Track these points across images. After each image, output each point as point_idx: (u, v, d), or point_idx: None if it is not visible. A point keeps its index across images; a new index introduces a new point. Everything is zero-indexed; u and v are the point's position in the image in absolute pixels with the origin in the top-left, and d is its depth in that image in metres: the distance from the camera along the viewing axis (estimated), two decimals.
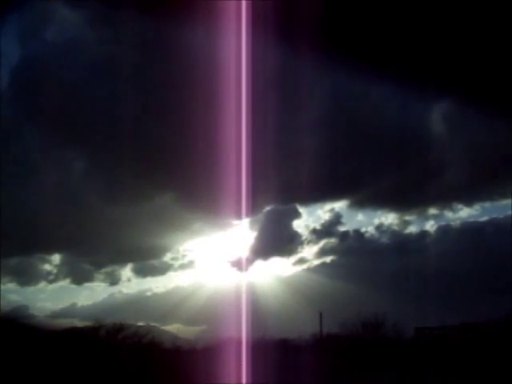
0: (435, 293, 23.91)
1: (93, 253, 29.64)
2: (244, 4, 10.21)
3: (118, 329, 24.63)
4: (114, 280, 30.78)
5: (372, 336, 25.77)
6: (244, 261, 29.62)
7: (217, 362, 18.36)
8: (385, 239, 31.46)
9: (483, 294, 25.44)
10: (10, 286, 29.67)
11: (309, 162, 25.19)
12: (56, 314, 29.82)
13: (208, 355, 22.70)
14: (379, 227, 31.62)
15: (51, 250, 29.66)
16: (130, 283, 31.23)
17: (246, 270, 29.68)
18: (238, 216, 28.36)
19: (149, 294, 31.42)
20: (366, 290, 26.87)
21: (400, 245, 30.39)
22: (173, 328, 29.16)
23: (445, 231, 30.36)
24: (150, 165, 25.47)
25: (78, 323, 26.92)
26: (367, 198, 29.99)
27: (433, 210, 30.53)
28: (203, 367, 20.33)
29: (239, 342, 17.20)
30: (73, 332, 23.50)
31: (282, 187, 27.13)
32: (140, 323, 27.09)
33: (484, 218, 31.28)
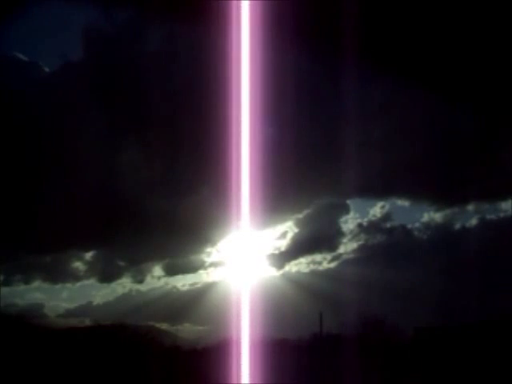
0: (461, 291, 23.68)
1: (131, 249, 29.21)
2: (244, 4, 10.23)
3: (117, 329, 24.58)
4: (142, 278, 30.37)
5: (372, 336, 25.75)
6: (282, 258, 29.47)
7: (216, 361, 18.34)
8: (431, 236, 30.69)
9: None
10: (36, 283, 29.58)
11: (363, 158, 25.11)
12: (69, 313, 29.68)
13: (207, 355, 22.69)
14: (428, 224, 31.01)
15: (88, 246, 29.33)
16: (158, 281, 30.73)
17: (283, 267, 29.54)
18: (283, 211, 28.52)
19: (170, 292, 30.94)
20: (391, 288, 26.47)
21: (445, 241, 29.74)
22: (182, 328, 29.05)
23: (494, 228, 29.48)
24: (192, 157, 25.30)
25: (87, 323, 26.79)
26: (421, 195, 29.44)
27: (485, 207, 29.77)
28: (201, 367, 20.35)
29: (240, 342, 17.15)
30: (71, 333, 23.48)
31: (334, 182, 26.96)
32: (143, 323, 26.96)
33: None
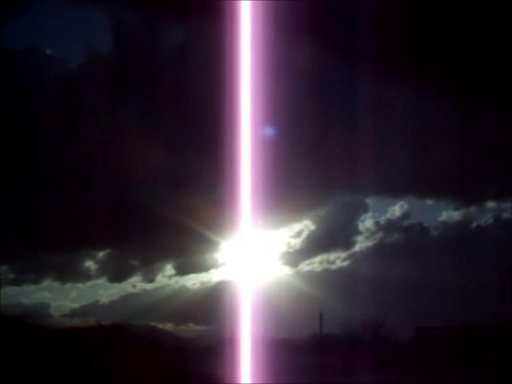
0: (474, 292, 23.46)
1: (143, 248, 28.84)
2: (244, 4, 10.20)
3: (117, 329, 24.52)
4: (153, 277, 29.94)
5: (372, 336, 25.70)
6: (296, 257, 29.29)
7: (216, 361, 18.29)
8: (449, 234, 30.23)
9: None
10: (46, 283, 29.45)
11: (383, 157, 25.00)
12: (74, 313, 29.49)
13: (207, 355, 22.66)
14: (446, 222, 30.58)
15: (101, 245, 29.02)
16: (168, 280, 30.32)
17: (297, 266, 29.31)
18: (299, 210, 28.28)
19: (178, 292, 30.50)
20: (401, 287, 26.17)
21: (463, 240, 29.25)
22: (186, 328, 28.87)
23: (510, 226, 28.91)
24: (205, 156, 25.08)
25: (91, 323, 26.59)
26: (440, 194, 29.02)
27: (503, 205, 29.33)
28: (201, 367, 20.31)
29: (241, 342, 17.11)
30: (70, 333, 23.41)
31: (353, 180, 26.70)
32: (145, 323, 26.82)
33: None
